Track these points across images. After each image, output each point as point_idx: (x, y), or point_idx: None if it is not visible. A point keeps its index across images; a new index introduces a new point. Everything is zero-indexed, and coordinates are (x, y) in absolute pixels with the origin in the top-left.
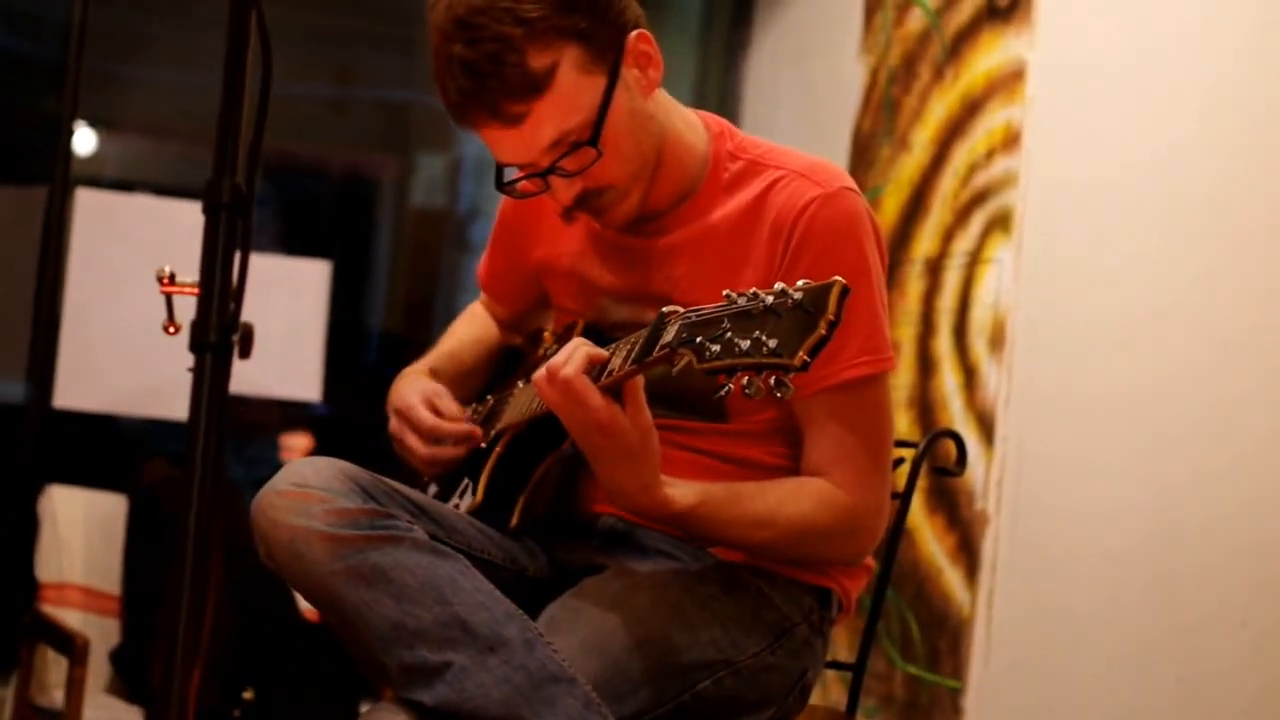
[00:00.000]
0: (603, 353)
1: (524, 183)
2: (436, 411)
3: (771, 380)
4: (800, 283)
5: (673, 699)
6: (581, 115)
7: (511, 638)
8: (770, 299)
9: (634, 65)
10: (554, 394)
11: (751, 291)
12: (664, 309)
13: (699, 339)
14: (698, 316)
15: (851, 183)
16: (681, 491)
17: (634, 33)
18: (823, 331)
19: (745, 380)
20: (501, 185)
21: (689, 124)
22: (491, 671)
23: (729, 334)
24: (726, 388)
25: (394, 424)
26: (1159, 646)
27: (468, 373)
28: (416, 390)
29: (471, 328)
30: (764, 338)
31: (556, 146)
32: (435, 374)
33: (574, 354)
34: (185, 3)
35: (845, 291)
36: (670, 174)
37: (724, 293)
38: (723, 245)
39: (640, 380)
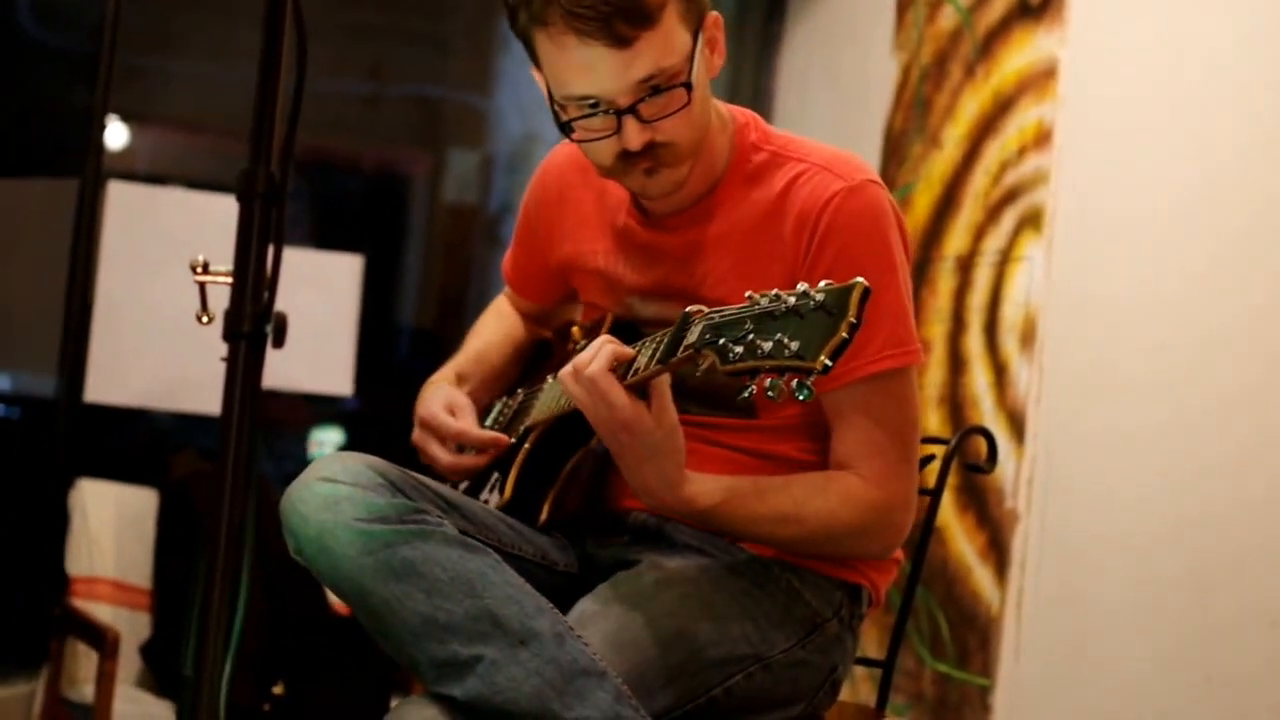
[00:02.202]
0: (628, 351)
1: (591, 121)
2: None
3: (794, 383)
4: (822, 284)
5: (703, 693)
6: (676, 59)
7: (542, 631)
8: (792, 300)
9: (706, 44)
10: (579, 391)
11: (774, 293)
12: (688, 309)
13: (722, 340)
14: (720, 317)
15: (874, 175)
16: (707, 488)
17: (712, 13)
18: (844, 334)
19: (768, 382)
20: (561, 125)
21: (719, 114)
22: (523, 665)
23: (751, 335)
24: (750, 389)
25: (417, 434)
26: (1189, 645)
27: (497, 373)
28: (439, 399)
29: (500, 325)
30: (786, 339)
31: (645, 84)
32: (462, 378)
33: (599, 351)
34: None
35: (866, 293)
36: (703, 162)
37: (746, 294)
38: (747, 240)
39: (666, 378)
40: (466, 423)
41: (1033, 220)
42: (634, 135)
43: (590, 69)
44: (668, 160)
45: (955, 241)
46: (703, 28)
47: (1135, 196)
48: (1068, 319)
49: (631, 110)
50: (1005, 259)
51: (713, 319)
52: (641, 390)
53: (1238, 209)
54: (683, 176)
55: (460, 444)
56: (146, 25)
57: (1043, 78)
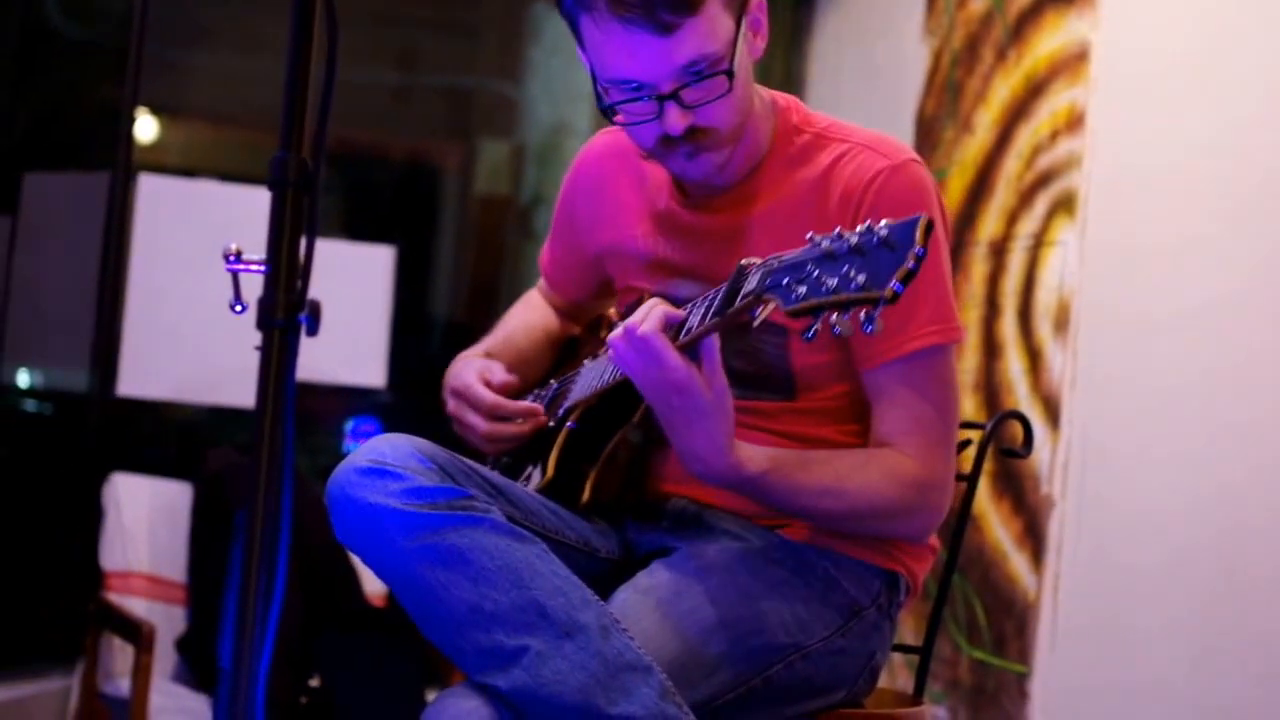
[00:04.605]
0: (679, 312)
1: (634, 105)
2: (490, 385)
3: (861, 315)
4: (884, 221)
5: (744, 683)
6: (718, 45)
7: (588, 624)
8: (855, 238)
9: (749, 28)
10: (630, 352)
11: (836, 231)
12: (742, 261)
13: (785, 281)
14: (780, 262)
15: (916, 155)
16: (753, 455)
17: None
18: (910, 264)
19: (834, 318)
20: (604, 108)
21: (761, 99)
22: (568, 658)
23: (816, 274)
24: (814, 328)
25: (453, 405)
26: (1228, 631)
27: (525, 359)
28: (472, 370)
29: (528, 314)
30: (852, 273)
31: (687, 71)
32: (491, 356)
33: (650, 312)
34: None
35: (930, 225)
36: (746, 144)
37: (807, 235)
38: (791, 220)
39: (717, 341)
40: (499, 377)
41: (1066, 204)
42: (675, 120)
43: (633, 55)
44: (709, 145)
45: (988, 226)
46: (746, 11)
47: (1168, 179)
48: (1102, 303)
49: (673, 96)
50: (1039, 243)
51: (771, 265)
52: (692, 354)
53: (1270, 191)
54: (724, 160)
55: (496, 414)
56: (174, 19)
57: (1074, 61)
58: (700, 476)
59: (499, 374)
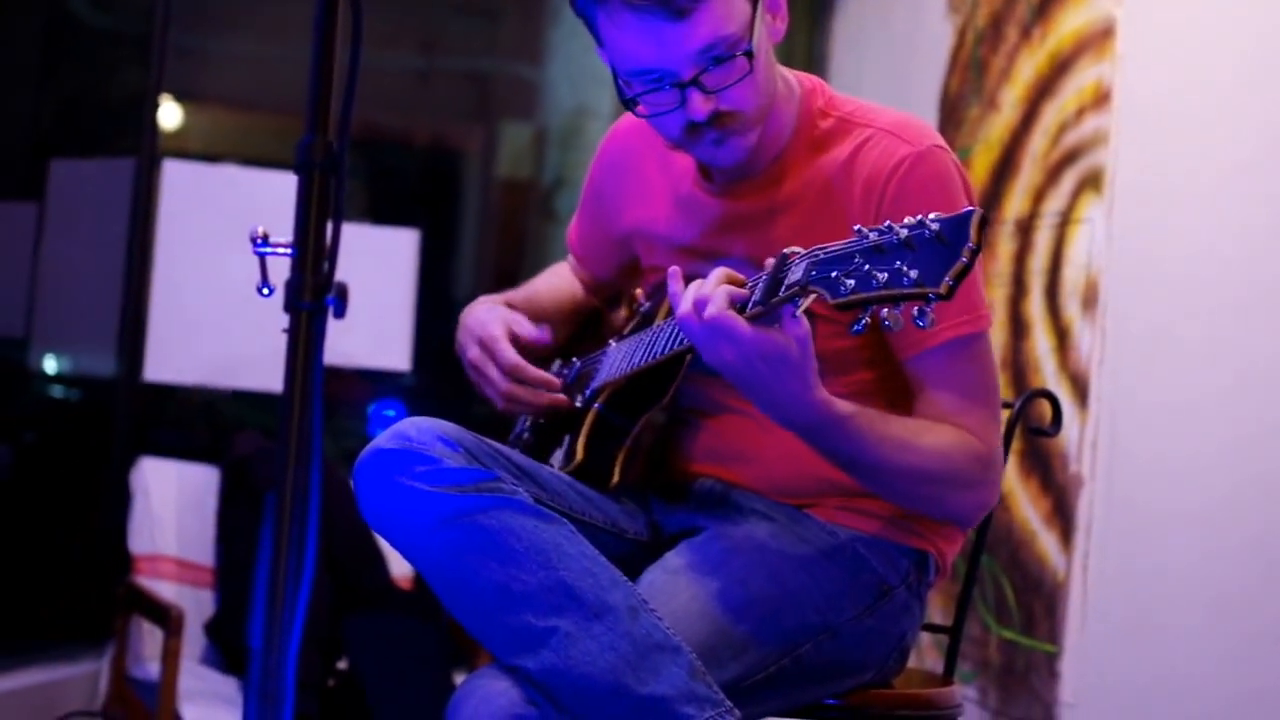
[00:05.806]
0: (742, 291)
1: (656, 95)
2: (518, 338)
3: (915, 310)
4: (934, 214)
5: (774, 663)
6: (735, 27)
7: (617, 605)
8: (905, 232)
9: (767, 10)
10: (704, 332)
11: (886, 224)
12: (785, 250)
13: (833, 274)
14: (825, 254)
15: (941, 140)
16: (836, 400)
17: None
18: (965, 260)
19: (884, 312)
20: (627, 101)
21: (785, 81)
22: (597, 639)
23: (865, 268)
24: (863, 321)
25: (475, 353)
26: (1257, 608)
27: (545, 317)
28: (498, 320)
29: (554, 279)
30: (904, 268)
31: (705, 55)
32: (511, 306)
33: (715, 293)
34: None
35: (985, 220)
36: (769, 128)
37: (855, 228)
38: (814, 206)
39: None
40: (525, 331)
41: (1092, 181)
42: (699, 106)
43: (649, 43)
44: (735, 129)
45: (1015, 204)
46: None
47: (1196, 156)
48: (1129, 281)
49: (694, 82)
50: (1065, 221)
51: (817, 255)
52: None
53: None
54: (751, 143)
55: (515, 376)
56: (197, 6)
57: (1100, 37)
58: (790, 422)
59: (526, 326)
